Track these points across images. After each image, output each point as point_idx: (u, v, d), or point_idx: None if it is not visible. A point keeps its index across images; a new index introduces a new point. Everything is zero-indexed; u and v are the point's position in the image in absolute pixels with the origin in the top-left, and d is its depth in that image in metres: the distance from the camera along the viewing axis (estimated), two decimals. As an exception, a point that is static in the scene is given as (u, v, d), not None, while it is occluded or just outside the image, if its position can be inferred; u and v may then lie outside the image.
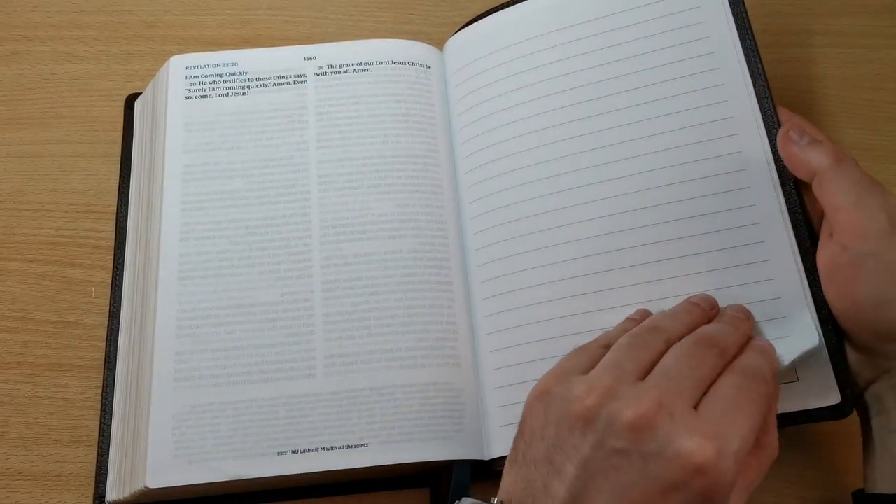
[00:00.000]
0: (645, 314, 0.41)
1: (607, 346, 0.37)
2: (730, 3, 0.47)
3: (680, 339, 0.37)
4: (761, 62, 0.46)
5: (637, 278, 0.44)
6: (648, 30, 0.47)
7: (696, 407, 0.33)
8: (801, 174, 0.42)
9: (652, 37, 0.47)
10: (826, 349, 0.41)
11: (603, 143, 0.46)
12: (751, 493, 0.35)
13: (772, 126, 0.44)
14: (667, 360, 0.35)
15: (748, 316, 0.40)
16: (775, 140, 0.43)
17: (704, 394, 0.34)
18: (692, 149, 0.45)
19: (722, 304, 0.42)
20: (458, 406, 0.44)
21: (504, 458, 0.42)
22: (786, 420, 0.41)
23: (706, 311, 0.40)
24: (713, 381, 0.35)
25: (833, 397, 0.41)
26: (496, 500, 0.35)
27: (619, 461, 0.32)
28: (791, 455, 0.47)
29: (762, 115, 0.45)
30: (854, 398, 0.41)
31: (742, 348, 0.37)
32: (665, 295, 0.43)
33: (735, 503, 0.33)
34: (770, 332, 0.41)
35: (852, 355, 0.41)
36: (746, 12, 0.47)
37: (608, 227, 0.45)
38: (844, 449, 0.46)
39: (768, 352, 0.38)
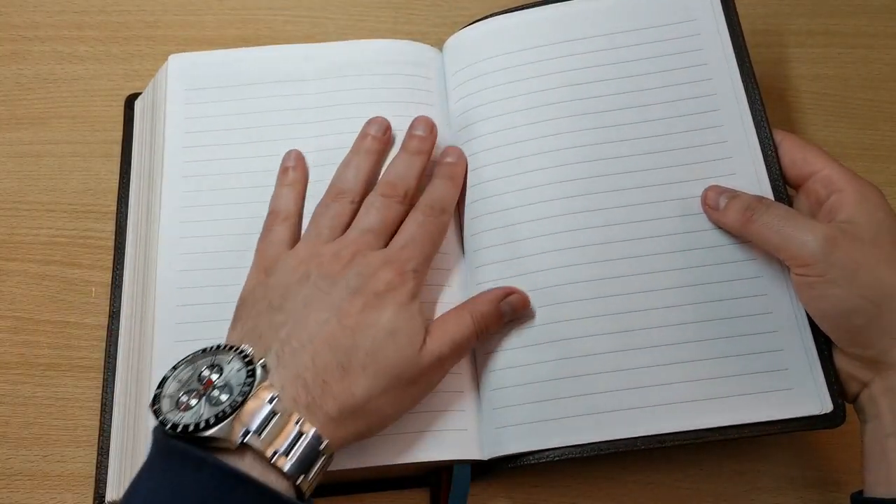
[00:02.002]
0: (296, 157, 0.48)
1: (287, 218, 0.46)
2: (728, 27, 0.48)
3: (363, 189, 0.45)
4: (758, 87, 0.47)
5: (632, 287, 0.44)
6: (647, 52, 0.48)
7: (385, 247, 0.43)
8: (731, 233, 0.44)
9: (651, 59, 0.48)
10: (818, 358, 0.42)
11: (601, 156, 0.47)
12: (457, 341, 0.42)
13: (767, 148, 0.46)
14: (358, 218, 0.44)
15: (428, 128, 0.47)
16: (771, 163, 0.45)
17: (394, 234, 0.44)
18: (685, 168, 0.46)
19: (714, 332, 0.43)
20: (457, 407, 0.44)
21: (503, 457, 0.43)
22: (780, 427, 0.42)
23: (382, 141, 0.47)
24: (401, 221, 0.44)
25: (825, 406, 0.41)
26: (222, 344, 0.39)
27: (330, 288, 0.40)
28: (791, 456, 0.47)
29: (759, 139, 0.46)
30: (844, 407, 0.42)
31: (433, 172, 0.47)
32: (653, 287, 0.44)
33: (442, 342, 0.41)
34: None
35: (845, 361, 0.42)
36: (743, 37, 0.48)
37: (608, 236, 0.45)
38: (845, 449, 0.46)
39: (451, 168, 0.47)
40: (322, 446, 0.36)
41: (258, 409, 0.36)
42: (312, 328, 0.39)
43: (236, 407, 0.35)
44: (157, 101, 0.51)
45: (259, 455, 0.35)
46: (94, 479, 0.45)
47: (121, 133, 0.54)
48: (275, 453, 0.35)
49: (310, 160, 0.49)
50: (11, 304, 0.51)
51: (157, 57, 0.57)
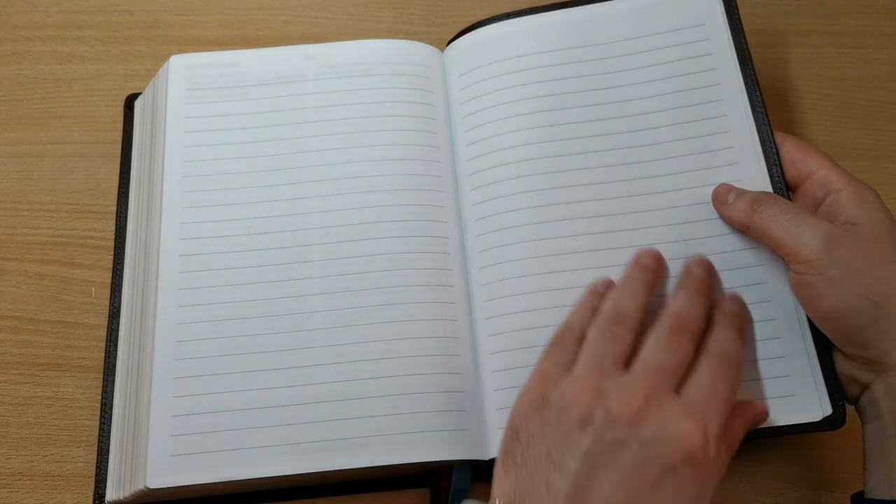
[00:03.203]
0: (607, 285, 0.43)
1: (579, 337, 0.40)
2: (731, 32, 0.48)
3: (641, 319, 0.40)
4: (760, 92, 0.47)
5: None
6: (657, 58, 0.48)
7: (678, 392, 0.37)
8: (737, 227, 0.45)
9: (661, 64, 0.48)
10: (818, 362, 0.42)
11: (611, 162, 0.47)
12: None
13: (770, 151, 0.46)
14: (645, 351, 0.39)
15: (708, 271, 0.43)
16: (773, 167, 0.46)
17: (683, 378, 0.38)
18: (693, 174, 0.46)
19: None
20: (458, 407, 0.44)
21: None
22: (780, 432, 0.42)
23: (658, 271, 0.43)
24: (689, 365, 0.38)
25: (825, 409, 0.42)
26: (498, 500, 0.36)
27: (618, 451, 0.35)
28: (791, 456, 0.47)
29: (761, 143, 0.46)
30: (844, 409, 0.42)
31: (711, 319, 0.41)
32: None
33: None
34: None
35: (845, 363, 0.42)
36: (745, 39, 0.48)
37: (616, 241, 0.45)
38: (845, 450, 0.46)
39: (737, 320, 0.41)
40: None
41: None
42: None
43: None
44: (157, 101, 0.52)
45: None
46: (94, 479, 0.45)
47: (121, 133, 0.54)
48: None
49: (311, 160, 0.49)
50: (11, 304, 0.51)
51: (157, 57, 0.57)
